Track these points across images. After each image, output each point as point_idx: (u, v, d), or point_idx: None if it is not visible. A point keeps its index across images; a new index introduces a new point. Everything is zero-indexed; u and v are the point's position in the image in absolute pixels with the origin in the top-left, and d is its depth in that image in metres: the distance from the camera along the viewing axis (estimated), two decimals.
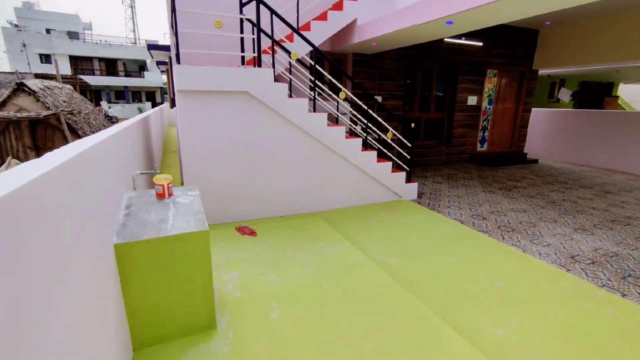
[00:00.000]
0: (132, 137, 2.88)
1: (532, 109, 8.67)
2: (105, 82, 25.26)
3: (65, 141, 8.93)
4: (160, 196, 2.19)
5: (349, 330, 2.11)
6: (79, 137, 8.37)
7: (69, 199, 1.10)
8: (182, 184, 5.54)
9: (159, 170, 5.94)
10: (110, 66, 26.39)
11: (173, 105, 9.56)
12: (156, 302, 1.86)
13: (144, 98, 27.93)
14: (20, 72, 13.95)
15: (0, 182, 0.81)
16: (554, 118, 8.75)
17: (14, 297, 0.70)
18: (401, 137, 4.79)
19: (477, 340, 2.06)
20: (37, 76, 15.79)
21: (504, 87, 7.89)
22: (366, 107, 4.51)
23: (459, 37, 6.66)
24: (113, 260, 1.66)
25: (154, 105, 26.41)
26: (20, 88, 9.26)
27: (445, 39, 6.63)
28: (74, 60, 24.71)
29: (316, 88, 4.27)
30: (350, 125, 5.14)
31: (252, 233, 3.52)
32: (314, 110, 4.16)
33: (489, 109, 7.84)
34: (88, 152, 1.39)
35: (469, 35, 6.77)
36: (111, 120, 17.43)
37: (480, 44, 7.11)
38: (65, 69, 23.21)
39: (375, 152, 4.50)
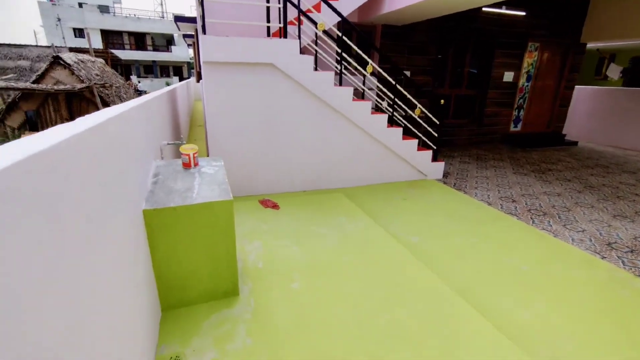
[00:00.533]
0: (160, 108, 2.93)
1: (576, 86, 8.03)
2: (134, 57, 25.78)
3: None
4: (187, 166, 2.23)
5: (366, 303, 2.12)
6: None
7: (100, 162, 1.13)
8: (208, 155, 5.66)
9: (186, 141, 6.09)
10: (139, 40, 26.83)
11: (199, 79, 9.65)
12: (182, 267, 1.94)
13: (171, 73, 28.39)
14: (55, 46, 14.45)
15: (35, 141, 0.83)
16: (599, 97, 8.09)
17: (52, 251, 0.74)
18: (429, 114, 4.60)
19: (498, 321, 2.02)
20: (71, 50, 16.31)
21: (545, 62, 7.33)
22: (394, 82, 4.33)
23: (499, 5, 6.17)
24: (142, 225, 1.73)
25: (181, 80, 26.82)
26: (56, 61, 9.64)
27: (483, 8, 6.16)
28: (105, 34, 25.26)
29: (343, 61, 4.13)
30: (376, 100, 4.99)
31: (275, 206, 3.56)
32: (340, 84, 4.05)
33: (527, 86, 7.34)
34: (117, 118, 1.42)
35: (511, 3, 6.26)
36: (141, 94, 17.90)
37: (523, 13, 6.56)
38: (97, 43, 23.82)
39: (401, 129, 4.36)
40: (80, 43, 23.27)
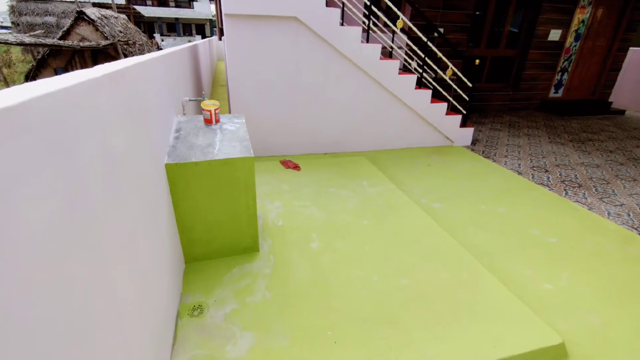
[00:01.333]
0: (181, 63, 2.87)
1: (630, 48, 7.22)
2: (157, 13, 25.33)
3: None
4: (208, 122, 2.20)
5: (385, 267, 2.12)
6: None
7: (121, 111, 1.10)
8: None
9: (207, 98, 6.07)
10: None
11: (222, 36, 9.40)
12: (204, 221, 1.98)
13: (194, 31, 27.88)
14: (79, 1, 14.35)
15: (52, 83, 0.80)
16: None
17: (70, 195, 0.73)
18: (462, 76, 4.29)
19: (520, 291, 1.97)
20: (94, 5, 16.13)
21: (599, 19, 6.57)
22: (425, 40, 4.02)
23: None
24: (164, 178, 1.74)
25: (203, 38, 26.33)
26: (80, 17, 9.60)
27: None
28: None
29: (371, 15, 3.85)
30: (404, 60, 4.69)
31: (296, 167, 3.54)
32: (367, 41, 3.80)
33: (575, 46, 6.67)
34: (136, 67, 1.37)
35: None
36: None
37: None
38: None
39: (430, 92, 4.12)
40: None
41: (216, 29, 24.40)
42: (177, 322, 1.68)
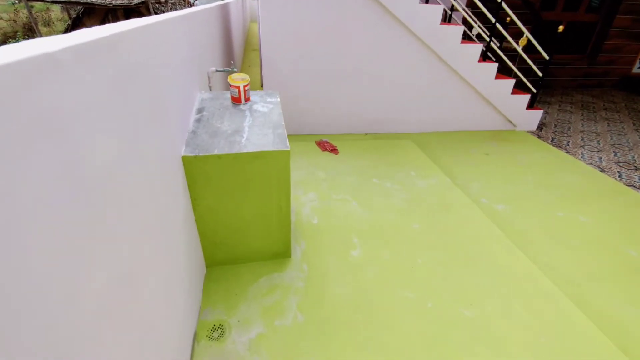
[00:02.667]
0: (208, 25, 2.45)
1: None
2: None
3: None
4: (236, 100, 1.82)
5: (443, 290, 1.73)
6: None
7: (124, 82, 0.75)
8: (262, 85, 5.22)
9: (238, 69, 5.65)
10: None
11: None
12: (228, 222, 1.66)
13: None
14: None
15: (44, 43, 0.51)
16: None
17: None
18: (538, 46, 3.55)
19: (622, 339, 1.53)
20: None
21: None
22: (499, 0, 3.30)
23: None
24: (181, 171, 1.41)
25: None
26: None
27: None
28: None
29: None
30: (463, 24, 3.97)
31: (334, 150, 3.13)
32: (427, 2, 3.17)
33: None
34: (139, 31, 0.99)
35: None
36: None
37: None
38: None
39: (495, 65, 3.45)
40: None
41: None
42: (193, 344, 1.42)
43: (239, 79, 1.79)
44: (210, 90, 2.28)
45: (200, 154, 1.43)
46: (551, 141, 3.68)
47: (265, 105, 1.85)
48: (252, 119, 1.72)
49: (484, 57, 3.42)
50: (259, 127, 1.65)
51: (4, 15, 12.19)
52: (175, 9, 10.76)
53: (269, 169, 1.54)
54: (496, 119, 3.83)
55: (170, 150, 1.25)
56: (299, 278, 1.77)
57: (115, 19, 9.82)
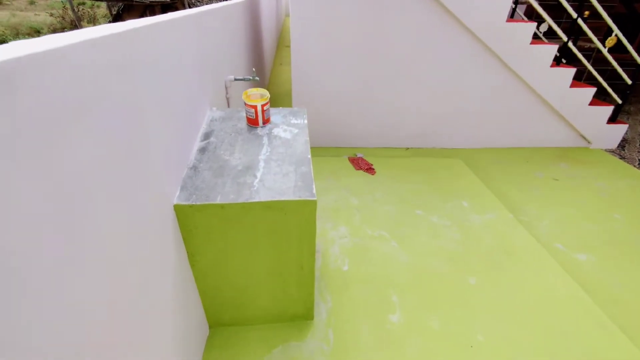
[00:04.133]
0: (229, 24, 2.10)
1: None
2: None
3: None
4: (252, 123, 1.45)
5: None
6: None
7: (97, 109, 0.40)
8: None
9: (267, 72, 5.32)
10: None
11: None
12: (235, 281, 1.31)
13: None
14: None
15: None
16: None
17: None
18: (630, 47, 2.87)
19: None
20: None
21: None
22: None
23: None
24: (173, 221, 1.07)
25: None
26: None
27: None
28: None
29: None
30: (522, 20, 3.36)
31: (370, 169, 2.70)
32: None
33: None
34: (129, 34, 0.64)
35: None
36: None
37: None
38: None
39: (573, 71, 2.84)
40: None
41: None
42: None
43: (256, 96, 1.42)
44: (228, 102, 1.94)
45: (198, 202, 1.07)
46: (639, 164, 3.00)
47: (288, 130, 1.46)
48: (270, 148, 1.34)
49: (557, 61, 2.82)
50: (278, 162, 1.27)
51: (54, 12, 12.77)
52: (211, 4, 10.69)
53: (288, 222, 1.16)
54: (565, 134, 3.20)
55: (156, 196, 0.91)
56: (323, 351, 1.38)
57: (153, 15, 9.90)
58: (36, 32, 12.23)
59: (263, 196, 1.11)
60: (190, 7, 8.96)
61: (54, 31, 12.60)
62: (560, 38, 2.90)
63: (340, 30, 2.61)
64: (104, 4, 14.13)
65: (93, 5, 13.61)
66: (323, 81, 2.81)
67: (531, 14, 4.35)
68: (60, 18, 12.73)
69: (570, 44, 2.81)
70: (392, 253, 1.90)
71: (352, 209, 2.26)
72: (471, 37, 2.65)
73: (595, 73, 2.97)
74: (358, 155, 2.93)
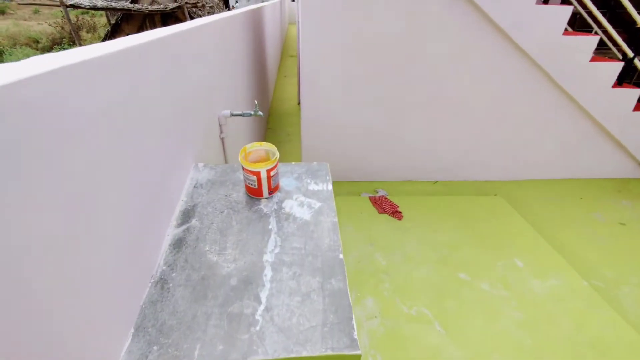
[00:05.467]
0: (227, 41, 1.67)
1: None
2: None
3: None
4: (254, 193, 0.99)
5: None
6: None
7: None
8: (299, 103, 4.43)
9: (268, 98, 4.89)
10: None
11: None
12: None
13: None
14: None
15: None
16: None
17: None
18: None
19: None
20: None
21: None
22: None
23: None
24: None
25: None
26: None
27: None
28: None
29: None
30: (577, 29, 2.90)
31: (396, 213, 2.23)
32: (546, 2, 2.19)
33: None
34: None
35: None
36: None
37: None
38: None
39: (637, 92, 2.37)
40: None
41: None
42: None
43: (259, 155, 0.97)
44: (223, 146, 1.49)
45: None
46: None
47: (305, 203, 1.00)
48: (280, 239, 0.89)
49: (620, 80, 2.36)
50: (293, 269, 0.81)
51: (52, 22, 12.53)
52: (214, 13, 10.36)
53: None
54: (623, 164, 2.73)
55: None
56: None
57: (153, 24, 9.58)
58: (35, 42, 11.98)
59: (271, 349, 0.65)
60: (191, 16, 8.62)
61: (53, 41, 12.35)
62: (627, 53, 2.43)
63: (361, 47, 2.17)
64: (103, 13, 13.91)
65: (93, 14, 13.37)
66: (337, 104, 2.37)
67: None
68: (60, 28, 12.48)
69: (637, 61, 2.35)
70: (439, 345, 1.43)
71: (379, 272, 1.79)
72: (520, 54, 2.20)
73: None
74: (379, 193, 2.47)
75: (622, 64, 2.26)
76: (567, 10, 2.04)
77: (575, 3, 2.41)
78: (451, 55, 2.21)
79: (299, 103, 4.46)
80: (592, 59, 2.24)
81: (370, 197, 2.38)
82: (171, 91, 0.92)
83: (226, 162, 1.53)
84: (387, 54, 2.20)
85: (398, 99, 2.36)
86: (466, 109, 2.42)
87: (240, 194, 1.03)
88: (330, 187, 1.06)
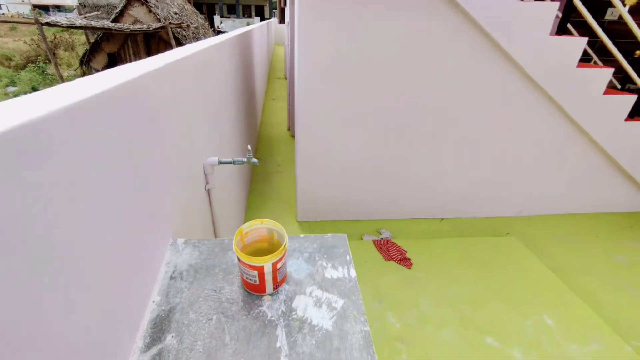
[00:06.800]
0: (211, 75, 1.43)
1: None
2: None
3: None
4: (254, 289, 0.73)
5: None
6: None
7: None
8: (289, 129, 4.21)
9: (256, 157, 4.67)
10: None
11: (282, 19, 7.94)
12: None
13: (253, 12, 27.02)
14: None
15: None
16: None
17: None
18: None
19: None
20: None
21: None
22: None
23: None
24: None
25: (262, 20, 25.29)
26: None
27: None
28: None
29: None
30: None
31: (404, 260, 1.99)
32: (564, 32, 2.07)
33: None
34: None
35: None
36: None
37: None
38: None
39: None
40: None
41: (275, 11, 23.07)
42: None
43: (260, 232, 0.71)
44: (209, 194, 1.23)
45: None
46: None
47: (324, 300, 0.74)
48: None
49: (631, 114, 2.25)
50: None
51: (28, 39, 12.06)
52: (198, 34, 10.19)
53: None
54: (630, 197, 2.61)
55: None
56: None
57: (135, 44, 9.32)
58: (7, 59, 11.43)
59: None
60: (175, 37, 8.42)
61: (28, 59, 11.83)
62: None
63: (361, 83, 1.98)
64: (84, 31, 13.55)
65: (73, 32, 12.96)
66: (337, 141, 2.15)
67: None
68: (36, 46, 12.00)
69: None
70: None
71: (393, 338, 1.52)
72: (531, 87, 2.06)
73: None
74: (383, 235, 2.23)
75: (635, 97, 2.16)
76: (581, 42, 1.92)
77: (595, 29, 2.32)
78: (459, 86, 2.05)
79: (289, 128, 4.24)
80: (605, 92, 2.13)
81: (374, 242, 2.13)
82: (137, 148, 0.67)
83: (213, 220, 1.26)
84: (389, 84, 2.01)
85: (401, 131, 2.17)
86: (474, 141, 2.25)
87: (234, 287, 0.76)
88: (353, 272, 0.81)
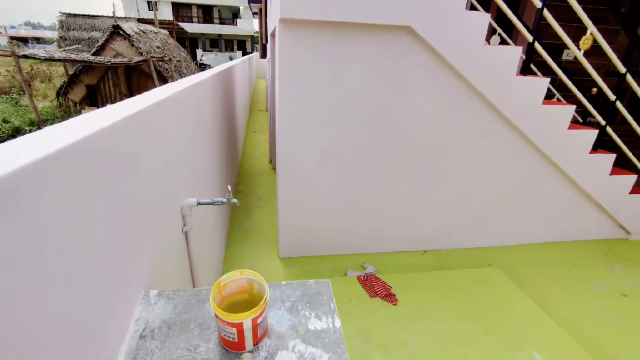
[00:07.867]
0: (191, 114, 1.43)
1: None
2: (201, 30, 25.43)
3: None
4: (233, 347, 0.68)
5: None
6: None
7: None
8: (270, 162, 4.21)
9: (239, 147, 4.67)
10: (206, 13, 26.51)
11: (264, 54, 8.18)
12: None
13: (235, 47, 27.79)
14: (123, 17, 14.13)
15: None
16: None
17: None
18: None
19: None
20: (140, 21, 15.88)
21: None
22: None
23: None
24: None
25: (244, 54, 26.02)
26: (116, 32, 8.89)
27: None
28: (176, 7, 25.16)
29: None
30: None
31: (389, 296, 1.95)
32: (528, 72, 2.22)
33: None
34: None
35: None
36: (204, 68, 17.23)
37: None
38: (168, 15, 23.78)
39: (612, 157, 2.42)
40: (152, 16, 23.33)
41: (257, 45, 23.88)
42: None
43: (239, 283, 0.66)
44: (187, 236, 1.17)
45: None
46: None
47: (308, 356, 0.70)
48: None
49: (595, 147, 2.39)
50: None
51: (2, 70, 11.81)
52: (180, 68, 10.30)
53: None
54: (604, 225, 2.71)
55: None
56: None
57: (116, 76, 9.29)
58: None
59: None
60: (157, 70, 8.48)
61: (1, 90, 11.53)
62: (599, 120, 2.51)
63: (341, 117, 2.03)
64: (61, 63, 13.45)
65: (51, 63, 12.84)
66: (319, 175, 2.15)
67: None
68: (11, 77, 11.75)
69: (608, 129, 2.41)
70: None
71: None
72: (505, 123, 2.17)
73: (634, 159, 2.57)
74: (367, 270, 2.19)
75: (596, 131, 2.30)
76: (543, 83, 2.06)
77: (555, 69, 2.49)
78: (436, 122, 2.13)
79: (270, 161, 4.24)
80: (570, 126, 2.26)
81: (359, 277, 2.09)
82: (109, 195, 0.63)
83: (191, 265, 1.20)
84: (369, 120, 2.07)
85: (382, 166, 2.20)
86: (452, 175, 2.31)
87: (211, 345, 0.70)
88: (337, 322, 0.77)
